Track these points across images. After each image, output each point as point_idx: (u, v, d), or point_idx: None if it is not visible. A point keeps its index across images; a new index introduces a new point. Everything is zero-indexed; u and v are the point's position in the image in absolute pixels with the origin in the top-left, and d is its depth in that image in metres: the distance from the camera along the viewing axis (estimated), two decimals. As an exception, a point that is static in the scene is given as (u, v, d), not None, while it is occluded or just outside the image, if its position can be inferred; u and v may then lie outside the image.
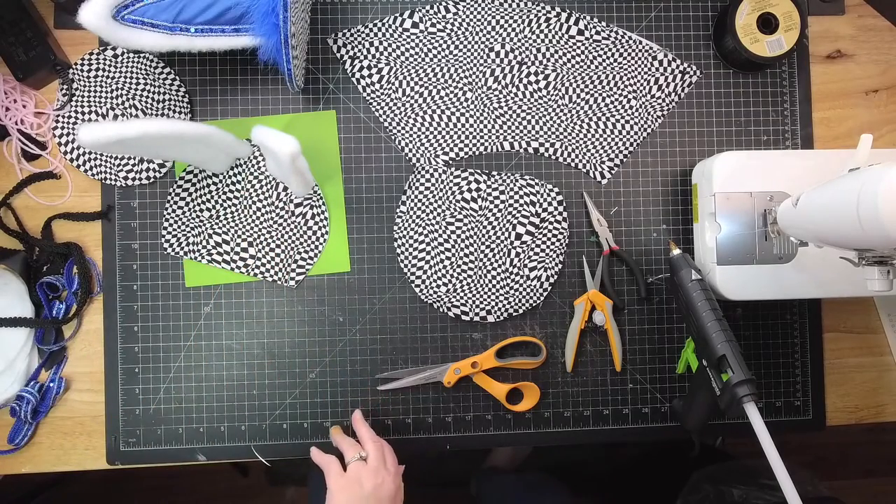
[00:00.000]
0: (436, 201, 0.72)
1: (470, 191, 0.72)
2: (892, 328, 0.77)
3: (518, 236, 0.71)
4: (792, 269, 0.67)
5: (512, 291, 0.71)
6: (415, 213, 0.72)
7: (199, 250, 0.72)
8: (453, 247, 0.71)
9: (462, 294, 0.71)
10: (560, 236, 0.72)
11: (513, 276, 0.71)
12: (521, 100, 0.73)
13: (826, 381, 0.76)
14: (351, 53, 0.73)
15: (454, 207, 0.71)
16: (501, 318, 0.72)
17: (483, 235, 0.72)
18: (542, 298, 0.72)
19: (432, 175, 0.72)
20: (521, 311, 0.72)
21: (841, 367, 0.76)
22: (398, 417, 0.73)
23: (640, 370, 0.74)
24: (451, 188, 0.72)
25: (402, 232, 0.72)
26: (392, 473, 0.62)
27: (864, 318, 0.77)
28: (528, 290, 0.71)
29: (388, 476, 0.61)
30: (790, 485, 0.50)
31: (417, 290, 0.72)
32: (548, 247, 0.72)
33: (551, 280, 0.72)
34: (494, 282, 0.72)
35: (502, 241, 0.71)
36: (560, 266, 0.73)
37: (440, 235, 0.71)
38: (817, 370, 0.76)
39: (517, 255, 0.71)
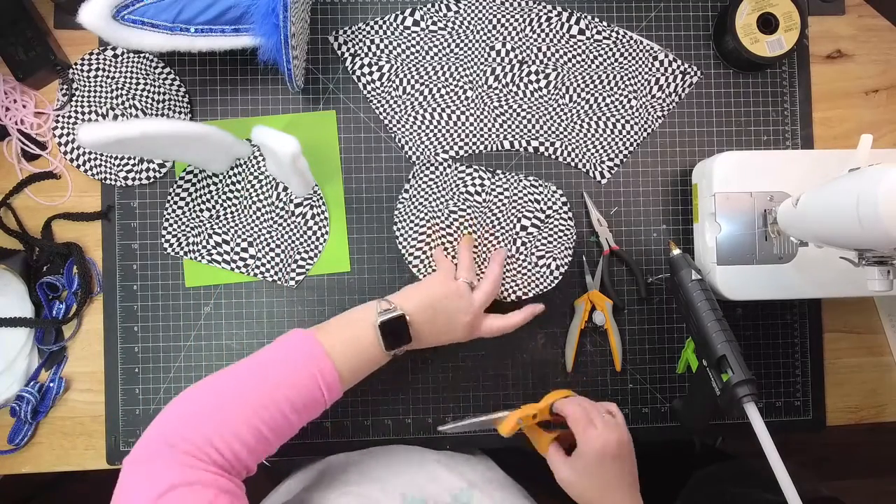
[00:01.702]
0: (438, 192, 0.71)
1: (474, 185, 0.71)
2: (892, 328, 0.77)
3: (524, 228, 0.71)
4: (792, 269, 0.67)
5: (519, 275, 0.70)
6: (417, 200, 0.71)
7: (199, 250, 0.72)
8: (455, 231, 0.71)
9: None
10: (567, 233, 0.72)
11: (520, 262, 0.71)
12: (521, 99, 0.73)
13: (826, 381, 0.76)
14: (352, 51, 0.73)
15: (458, 198, 0.71)
16: (508, 299, 0.71)
17: (487, 223, 0.71)
18: (552, 284, 0.71)
19: (437, 168, 0.72)
20: (530, 294, 0.71)
21: (841, 367, 0.76)
22: (398, 417, 0.73)
23: (640, 370, 0.74)
24: (455, 181, 0.71)
25: (402, 216, 0.72)
26: (474, 311, 0.64)
27: (864, 318, 0.77)
28: (538, 275, 0.70)
29: (469, 308, 0.63)
30: (790, 485, 0.50)
31: (415, 269, 0.71)
32: (555, 238, 0.71)
33: (561, 270, 0.71)
34: None
35: (507, 231, 0.71)
36: (569, 258, 0.71)
37: (442, 221, 0.71)
38: (817, 370, 0.76)
39: (523, 244, 0.70)
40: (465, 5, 0.74)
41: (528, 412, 0.61)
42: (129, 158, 0.71)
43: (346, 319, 0.60)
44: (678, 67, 0.75)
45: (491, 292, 0.65)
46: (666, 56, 0.75)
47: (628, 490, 0.57)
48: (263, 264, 0.72)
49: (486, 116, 0.73)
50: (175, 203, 0.72)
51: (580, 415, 0.58)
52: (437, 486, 0.60)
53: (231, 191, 0.72)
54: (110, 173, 0.71)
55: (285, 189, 0.72)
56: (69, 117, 0.71)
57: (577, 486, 0.57)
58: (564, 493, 0.58)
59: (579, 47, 0.74)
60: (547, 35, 0.74)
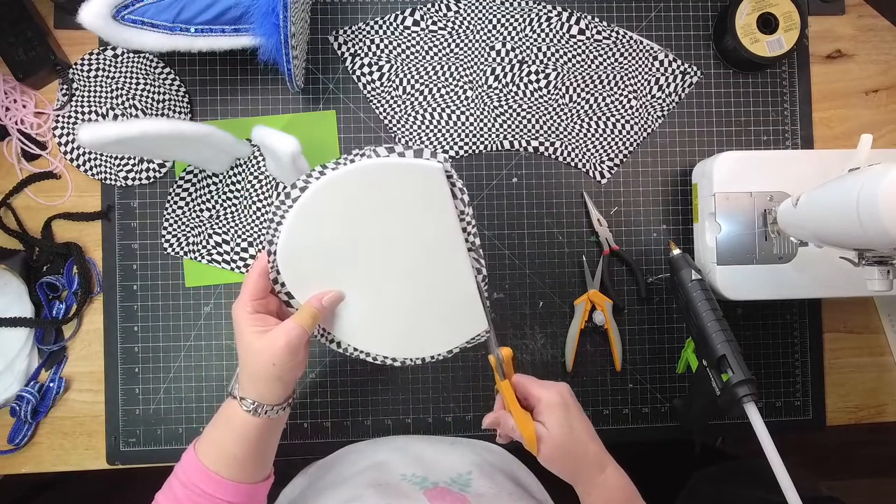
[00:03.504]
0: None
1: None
2: (892, 328, 0.77)
3: None
4: (792, 269, 0.67)
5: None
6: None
7: (199, 250, 0.72)
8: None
9: None
10: None
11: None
12: (521, 99, 0.73)
13: (826, 381, 0.76)
14: (352, 51, 0.73)
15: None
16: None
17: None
18: None
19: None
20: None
21: (841, 367, 0.76)
22: (398, 417, 0.73)
23: (640, 370, 0.74)
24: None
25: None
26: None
27: (864, 318, 0.77)
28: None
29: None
30: (790, 485, 0.50)
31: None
32: None
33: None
34: None
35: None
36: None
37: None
38: (817, 370, 0.76)
39: None
40: (465, 5, 0.74)
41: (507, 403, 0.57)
42: (129, 158, 0.71)
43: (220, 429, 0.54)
44: (678, 67, 0.75)
45: (245, 284, 0.54)
46: (666, 56, 0.75)
47: (596, 440, 0.56)
48: (263, 264, 0.72)
49: (486, 116, 0.73)
50: (175, 203, 0.72)
51: (526, 381, 0.56)
52: (437, 466, 0.61)
53: (231, 191, 0.72)
54: (110, 173, 0.71)
55: (285, 189, 0.72)
56: (69, 117, 0.71)
57: (559, 444, 0.53)
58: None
59: (579, 47, 0.74)
60: (547, 35, 0.74)
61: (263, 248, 0.54)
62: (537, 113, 0.74)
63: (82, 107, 0.71)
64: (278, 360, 0.50)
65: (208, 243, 0.72)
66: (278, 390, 0.52)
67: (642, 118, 0.75)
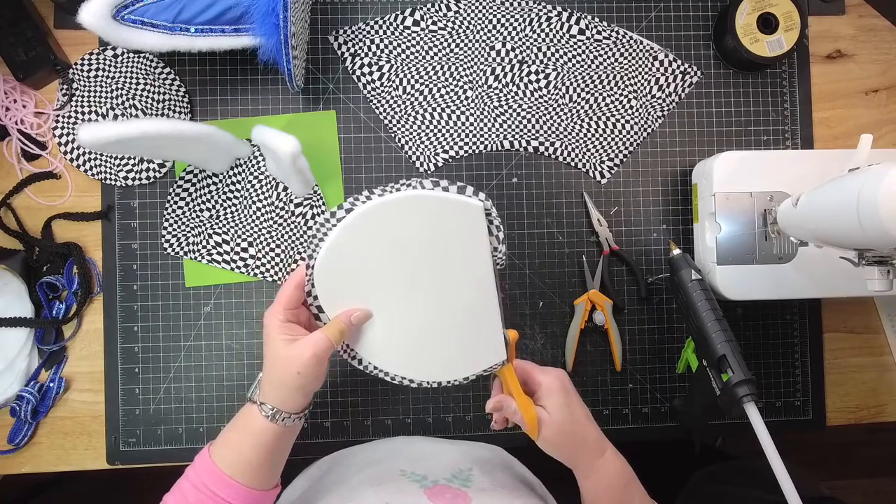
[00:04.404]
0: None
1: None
2: (892, 328, 0.77)
3: None
4: (792, 269, 0.67)
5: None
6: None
7: (199, 250, 0.72)
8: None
9: None
10: None
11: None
12: (521, 99, 0.73)
13: (826, 381, 0.76)
14: (352, 51, 0.73)
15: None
16: None
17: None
18: None
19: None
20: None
21: (841, 367, 0.76)
22: (398, 417, 0.73)
23: (640, 370, 0.74)
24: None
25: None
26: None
27: (864, 318, 0.77)
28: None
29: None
30: (790, 485, 0.50)
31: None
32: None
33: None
34: None
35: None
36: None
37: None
38: (817, 370, 0.76)
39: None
40: (465, 5, 0.74)
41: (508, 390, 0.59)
42: (129, 158, 0.71)
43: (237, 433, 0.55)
44: (678, 67, 0.75)
45: (281, 294, 0.56)
46: (666, 56, 0.75)
47: (594, 424, 0.57)
48: (263, 264, 0.72)
49: (486, 116, 0.73)
50: (175, 203, 0.72)
51: (527, 366, 0.58)
52: (437, 463, 0.61)
53: (231, 191, 0.72)
54: (110, 173, 0.71)
55: (285, 189, 0.72)
56: (69, 117, 0.71)
57: (560, 428, 0.54)
58: (570, 475, 0.57)
59: (579, 47, 0.74)
60: (547, 35, 0.74)
61: (303, 260, 0.56)
62: (537, 113, 0.74)
63: (82, 107, 0.71)
64: (304, 369, 0.52)
65: (208, 243, 0.72)
66: (299, 399, 0.53)
67: (642, 118, 0.75)
